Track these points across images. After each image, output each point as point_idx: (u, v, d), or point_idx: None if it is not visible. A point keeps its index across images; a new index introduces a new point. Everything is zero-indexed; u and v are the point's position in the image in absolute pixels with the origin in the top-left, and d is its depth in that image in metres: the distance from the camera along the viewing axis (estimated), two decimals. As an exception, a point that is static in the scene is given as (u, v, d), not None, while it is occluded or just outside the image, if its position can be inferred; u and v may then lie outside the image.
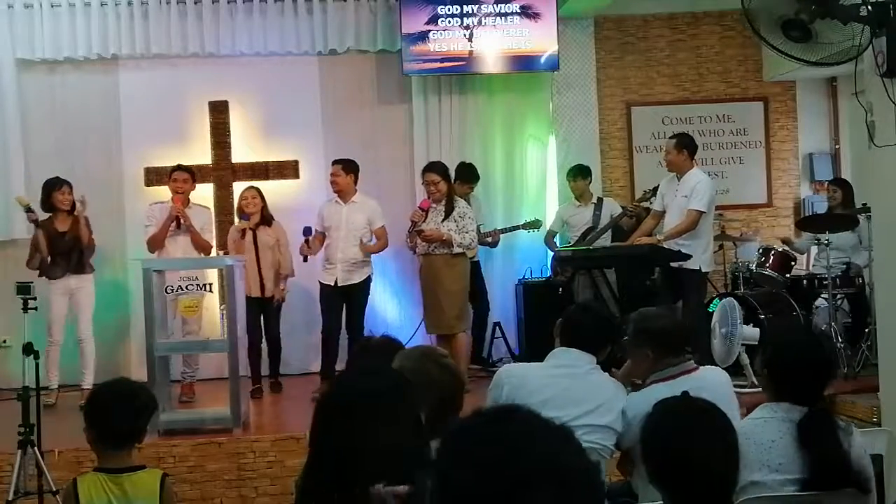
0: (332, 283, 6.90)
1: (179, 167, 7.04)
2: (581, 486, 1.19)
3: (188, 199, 7.03)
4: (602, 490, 1.26)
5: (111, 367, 7.58)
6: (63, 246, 6.78)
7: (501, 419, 1.26)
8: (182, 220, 6.86)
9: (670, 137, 6.87)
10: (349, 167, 7.00)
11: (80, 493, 2.84)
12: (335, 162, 7.08)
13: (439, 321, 6.67)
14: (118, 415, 2.86)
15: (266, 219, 7.05)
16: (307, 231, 6.91)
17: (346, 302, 6.94)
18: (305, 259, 6.94)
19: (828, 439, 2.71)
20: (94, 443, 2.92)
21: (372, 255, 7.05)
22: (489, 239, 7.81)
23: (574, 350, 3.47)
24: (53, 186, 6.82)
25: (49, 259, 6.79)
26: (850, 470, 2.71)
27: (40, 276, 6.69)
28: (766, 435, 2.74)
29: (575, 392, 3.37)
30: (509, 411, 1.28)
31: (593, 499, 1.22)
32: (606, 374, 3.49)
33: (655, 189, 7.04)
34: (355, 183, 7.03)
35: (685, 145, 6.62)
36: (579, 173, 7.80)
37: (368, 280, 7.02)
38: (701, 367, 3.54)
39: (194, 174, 7.13)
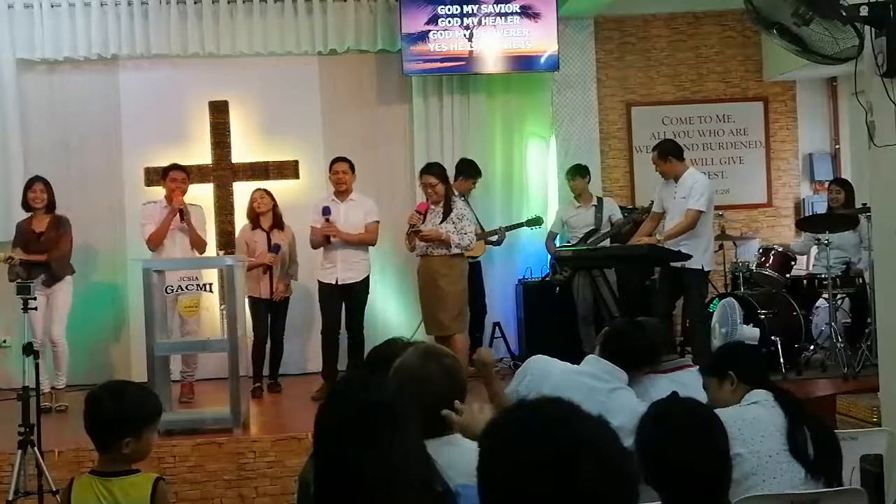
0: (333, 282, 6.89)
1: (176, 166, 7.03)
2: (618, 466, 1.33)
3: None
4: (636, 474, 1.37)
5: (109, 367, 7.61)
6: (37, 248, 6.63)
7: (549, 403, 1.43)
8: (185, 214, 6.80)
9: (652, 149, 6.82)
10: (352, 165, 7.02)
11: (73, 495, 2.83)
12: (342, 160, 7.01)
13: (437, 322, 6.64)
14: (91, 416, 2.83)
15: (278, 222, 7.10)
16: (327, 210, 6.83)
17: (345, 301, 6.93)
18: (328, 240, 6.84)
19: (813, 417, 2.93)
20: None
21: (370, 256, 7.05)
22: (495, 238, 7.78)
23: (605, 362, 3.37)
24: (27, 186, 6.77)
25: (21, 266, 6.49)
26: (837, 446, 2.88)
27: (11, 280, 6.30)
28: (762, 417, 2.89)
29: (591, 406, 3.32)
30: (556, 400, 1.43)
31: (629, 478, 1.35)
32: (633, 393, 3.33)
33: None
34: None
35: (668, 152, 6.57)
36: (577, 172, 7.80)
37: (367, 279, 7.01)
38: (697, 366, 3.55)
39: (189, 173, 7.12)
